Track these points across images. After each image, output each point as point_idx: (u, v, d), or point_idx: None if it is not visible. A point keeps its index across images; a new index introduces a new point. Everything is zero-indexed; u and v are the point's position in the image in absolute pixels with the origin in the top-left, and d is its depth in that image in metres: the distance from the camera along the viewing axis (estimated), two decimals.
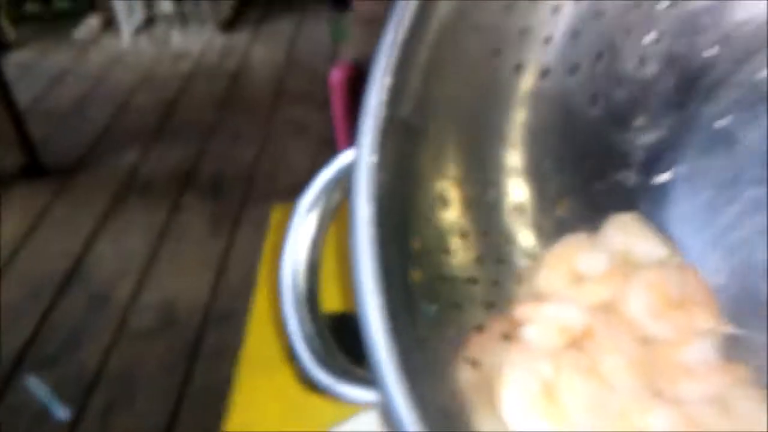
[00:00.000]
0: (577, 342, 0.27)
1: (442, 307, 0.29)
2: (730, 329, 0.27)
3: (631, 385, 0.25)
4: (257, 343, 0.49)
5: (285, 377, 0.45)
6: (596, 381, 0.25)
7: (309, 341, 0.30)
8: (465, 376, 0.27)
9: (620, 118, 0.30)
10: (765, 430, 0.24)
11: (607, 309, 0.28)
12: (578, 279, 0.29)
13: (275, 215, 0.64)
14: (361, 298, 0.25)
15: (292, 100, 2.19)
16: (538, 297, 0.29)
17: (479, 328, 0.29)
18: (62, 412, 1.19)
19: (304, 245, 0.31)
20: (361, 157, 0.26)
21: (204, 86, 2.32)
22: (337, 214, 0.31)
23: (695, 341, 0.27)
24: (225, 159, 1.91)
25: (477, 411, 0.26)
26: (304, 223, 0.31)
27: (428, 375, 0.26)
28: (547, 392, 0.25)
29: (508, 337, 0.28)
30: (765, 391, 0.25)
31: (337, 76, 1.19)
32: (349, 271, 0.26)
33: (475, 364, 0.27)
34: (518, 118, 0.30)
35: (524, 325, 0.28)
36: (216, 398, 1.26)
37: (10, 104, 1.76)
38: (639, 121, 0.30)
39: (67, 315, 1.40)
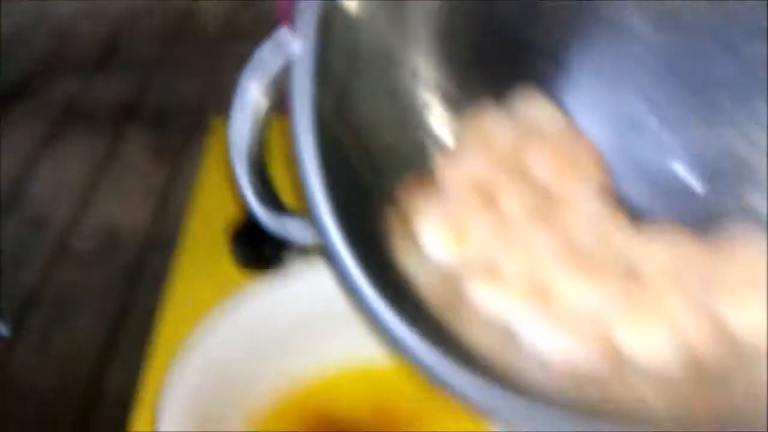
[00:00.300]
0: (485, 193, 0.31)
1: (373, 168, 0.32)
2: (615, 187, 0.32)
3: (524, 215, 0.29)
4: (197, 233, 0.52)
5: (224, 263, 0.49)
6: (498, 217, 0.30)
7: (258, 192, 0.33)
8: (391, 217, 0.31)
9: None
10: (638, 256, 0.29)
11: (512, 170, 0.32)
12: (487, 146, 0.33)
13: (214, 127, 0.66)
14: (296, 139, 0.29)
15: (242, 35, 2.16)
16: (452, 159, 0.33)
17: (404, 185, 0.33)
18: (2, 328, 1.20)
19: (249, 112, 0.34)
20: (303, 34, 0.29)
21: (152, 19, 2.27)
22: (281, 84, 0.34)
23: (585, 196, 0.31)
24: (170, 92, 1.89)
25: (401, 243, 0.30)
26: (249, 90, 0.34)
27: (359, 214, 0.30)
28: (458, 228, 0.30)
29: (427, 192, 0.32)
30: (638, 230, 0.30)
31: (284, 6, 1.20)
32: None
33: (400, 209, 0.31)
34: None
35: (441, 180, 0.32)
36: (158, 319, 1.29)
37: None
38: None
39: (7, 236, 1.39)
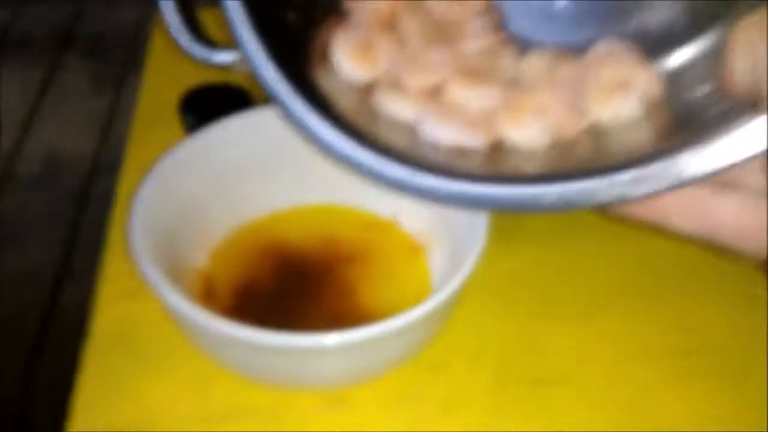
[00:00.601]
0: (388, 22, 0.37)
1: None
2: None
3: (423, 41, 0.35)
4: (149, 103, 0.56)
5: (176, 133, 0.52)
6: (399, 42, 0.35)
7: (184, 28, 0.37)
8: (312, 50, 0.36)
9: None
10: (512, 71, 0.35)
11: (411, 4, 0.38)
12: None
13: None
14: None
15: None
16: None
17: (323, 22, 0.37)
18: None
19: None
20: None
21: None
22: None
23: (473, 19, 0.37)
24: (105, 20, 1.86)
25: (321, 70, 0.35)
26: None
27: (283, 46, 0.34)
28: (365, 50, 0.35)
29: (342, 26, 0.37)
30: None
31: None
32: None
33: (320, 42, 0.36)
34: None
35: (351, 15, 0.37)
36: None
37: None
38: None
39: None
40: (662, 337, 0.40)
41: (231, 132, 0.41)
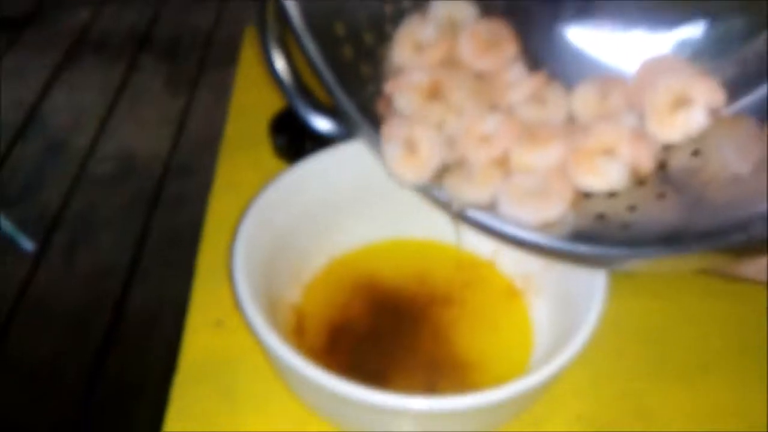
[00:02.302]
0: (432, 95, 0.35)
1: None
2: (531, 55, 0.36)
3: (473, 107, 0.33)
4: (238, 123, 0.55)
5: (265, 152, 0.52)
6: (449, 114, 0.34)
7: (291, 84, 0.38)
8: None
9: None
10: (565, 111, 0.33)
11: (447, 64, 0.36)
12: (420, 48, 0.37)
13: (249, 36, 0.69)
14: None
15: None
16: (395, 71, 0.37)
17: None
18: (27, 244, 1.24)
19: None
20: None
21: None
22: None
23: (510, 67, 0.35)
24: (181, 23, 1.89)
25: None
26: None
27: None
28: (409, 150, 0.34)
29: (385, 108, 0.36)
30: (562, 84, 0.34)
31: None
32: None
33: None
34: None
35: (392, 96, 0.36)
36: (177, 242, 1.34)
37: None
38: None
39: (25, 161, 1.42)
40: None
41: (327, 165, 0.39)
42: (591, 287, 0.32)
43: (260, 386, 0.37)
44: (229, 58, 1.73)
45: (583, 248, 0.30)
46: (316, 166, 0.39)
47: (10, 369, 1.07)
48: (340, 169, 0.40)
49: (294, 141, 0.51)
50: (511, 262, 0.40)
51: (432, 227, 0.41)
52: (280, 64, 0.40)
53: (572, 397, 0.37)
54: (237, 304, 0.32)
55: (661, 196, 0.30)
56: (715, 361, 0.39)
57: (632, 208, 0.30)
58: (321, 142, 0.50)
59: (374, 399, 0.28)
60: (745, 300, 0.41)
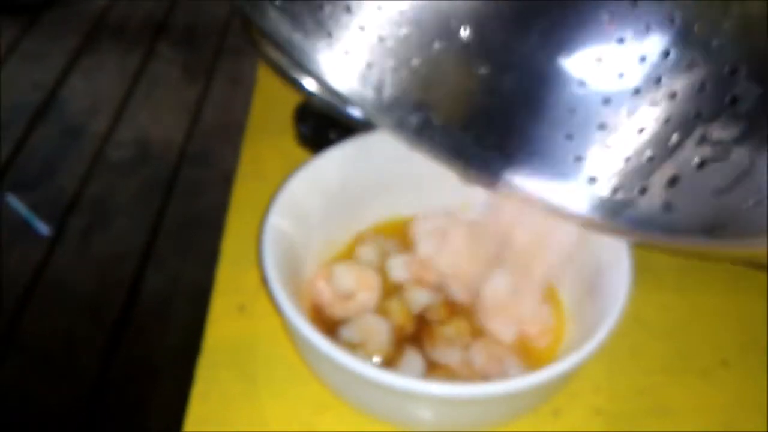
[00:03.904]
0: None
1: None
2: None
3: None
4: (262, 112, 0.56)
5: (288, 140, 0.52)
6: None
7: None
8: None
9: None
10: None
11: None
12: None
13: None
14: None
15: None
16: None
17: None
18: (43, 228, 1.25)
19: None
20: None
21: None
22: None
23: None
24: (197, 12, 1.89)
25: None
26: None
27: None
28: None
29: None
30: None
31: None
32: None
33: None
34: None
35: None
36: (192, 228, 1.35)
37: None
38: None
39: (43, 144, 1.43)
40: None
41: (351, 153, 0.40)
42: (616, 281, 0.32)
43: (281, 371, 0.38)
44: (244, 47, 1.74)
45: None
46: (341, 154, 0.39)
47: (26, 351, 1.09)
48: (364, 157, 0.40)
49: (318, 130, 0.51)
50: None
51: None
52: None
53: (591, 392, 0.37)
54: (265, 285, 0.32)
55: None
56: (736, 356, 0.39)
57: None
58: (345, 131, 0.50)
59: (396, 382, 0.28)
60: (765, 294, 0.41)
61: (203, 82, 1.62)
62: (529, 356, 0.35)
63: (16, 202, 1.28)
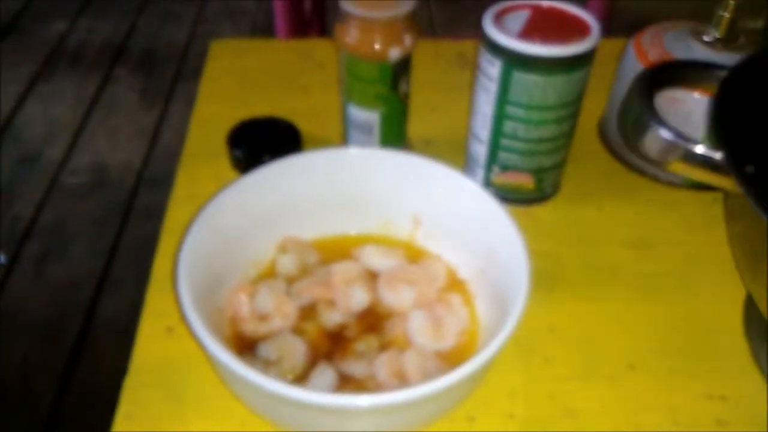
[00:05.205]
0: None
1: None
2: None
3: None
4: (197, 136, 0.57)
5: (223, 164, 0.53)
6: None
7: None
8: None
9: None
10: None
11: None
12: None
13: (213, 50, 0.70)
14: None
15: None
16: None
17: None
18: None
19: None
20: None
21: None
22: None
23: None
24: (156, 37, 1.90)
25: None
26: None
27: None
28: None
29: None
30: None
31: None
32: None
33: None
34: None
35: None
36: (149, 253, 1.34)
37: None
38: None
39: (0, 171, 1.42)
40: (693, 404, 0.39)
41: (274, 174, 0.41)
42: (516, 289, 0.34)
43: (207, 390, 0.39)
44: (202, 72, 1.75)
45: None
46: (266, 173, 0.41)
47: None
48: (291, 177, 0.42)
49: (251, 153, 0.52)
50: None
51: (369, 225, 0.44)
52: None
53: (506, 398, 0.39)
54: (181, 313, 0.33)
55: None
56: (642, 361, 0.41)
57: None
58: (277, 154, 0.52)
59: (298, 396, 0.30)
60: (671, 302, 0.44)
61: (161, 107, 1.62)
62: (445, 357, 0.37)
63: None
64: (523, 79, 0.42)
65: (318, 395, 0.30)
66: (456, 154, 0.50)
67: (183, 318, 0.41)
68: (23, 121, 1.56)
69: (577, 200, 0.51)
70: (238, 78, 0.65)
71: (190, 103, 1.73)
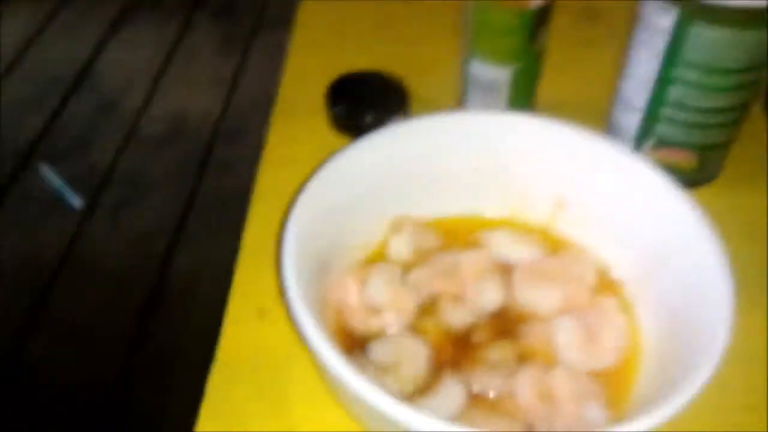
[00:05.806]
0: None
1: None
2: None
3: None
4: (292, 91, 0.51)
5: (320, 122, 0.47)
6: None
7: None
8: None
9: None
10: None
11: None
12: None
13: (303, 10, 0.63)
14: None
15: None
16: None
17: None
18: (75, 201, 1.23)
19: None
20: None
21: None
22: None
23: None
24: None
25: None
26: None
27: None
28: None
29: None
30: None
31: None
32: None
33: None
34: None
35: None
36: (226, 206, 1.31)
37: None
38: None
39: (77, 116, 1.41)
40: None
41: (384, 144, 0.35)
42: (714, 312, 0.26)
43: (302, 386, 0.33)
44: (285, 20, 1.69)
45: None
46: (379, 142, 0.34)
47: (56, 323, 1.07)
48: (406, 146, 0.35)
49: (353, 112, 0.46)
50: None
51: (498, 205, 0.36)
52: None
53: None
54: (283, 299, 0.28)
55: None
56: None
57: None
58: (383, 114, 0.45)
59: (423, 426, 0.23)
60: None
61: (241, 55, 1.57)
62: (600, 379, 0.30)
63: (49, 173, 1.26)
64: (705, 33, 0.34)
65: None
66: (590, 123, 0.42)
67: (279, 301, 0.36)
68: (101, 67, 1.54)
69: (741, 185, 0.43)
70: (335, 26, 0.58)
71: (270, 52, 1.66)
